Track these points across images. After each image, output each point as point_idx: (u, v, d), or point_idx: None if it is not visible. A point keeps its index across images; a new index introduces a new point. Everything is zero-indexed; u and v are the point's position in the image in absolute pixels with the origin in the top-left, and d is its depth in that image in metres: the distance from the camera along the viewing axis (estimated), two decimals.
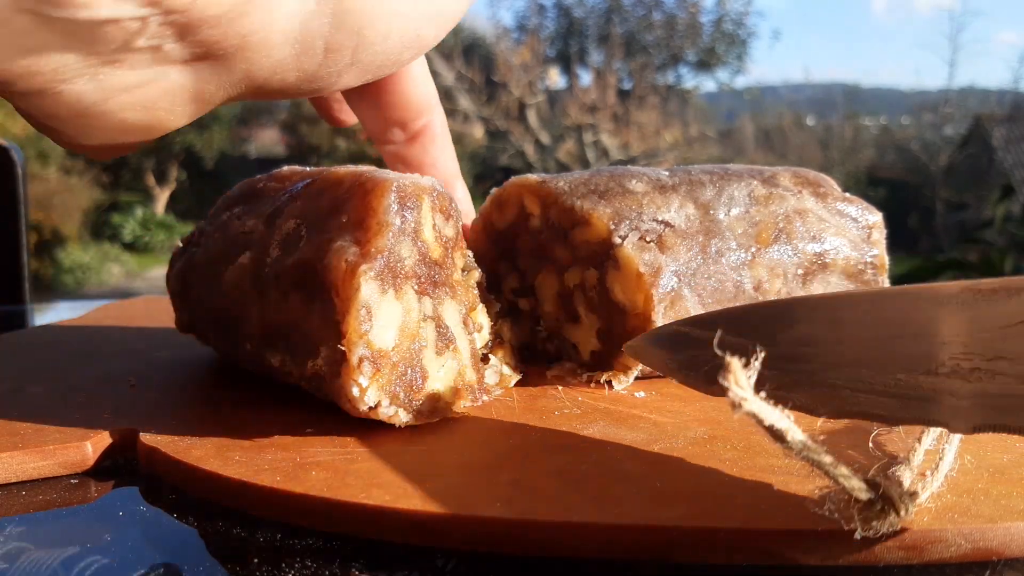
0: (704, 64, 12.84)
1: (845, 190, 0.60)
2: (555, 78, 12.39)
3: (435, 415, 0.43)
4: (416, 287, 0.42)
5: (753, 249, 0.54)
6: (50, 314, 1.13)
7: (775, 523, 0.31)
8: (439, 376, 0.43)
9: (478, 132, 11.58)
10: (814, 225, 0.57)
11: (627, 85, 11.74)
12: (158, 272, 8.19)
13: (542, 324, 0.56)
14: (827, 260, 0.56)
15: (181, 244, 0.56)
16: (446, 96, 11.30)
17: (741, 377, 0.30)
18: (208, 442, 0.40)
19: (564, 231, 0.52)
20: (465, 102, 10.97)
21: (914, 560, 0.31)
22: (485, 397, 0.47)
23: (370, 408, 0.40)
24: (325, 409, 0.44)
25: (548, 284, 0.55)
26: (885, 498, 0.30)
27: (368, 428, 0.42)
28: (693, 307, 0.50)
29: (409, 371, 0.41)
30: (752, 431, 0.40)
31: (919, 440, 0.36)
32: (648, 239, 0.50)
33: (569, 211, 0.51)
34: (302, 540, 0.33)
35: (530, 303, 0.56)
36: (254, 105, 11.64)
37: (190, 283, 0.51)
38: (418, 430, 0.42)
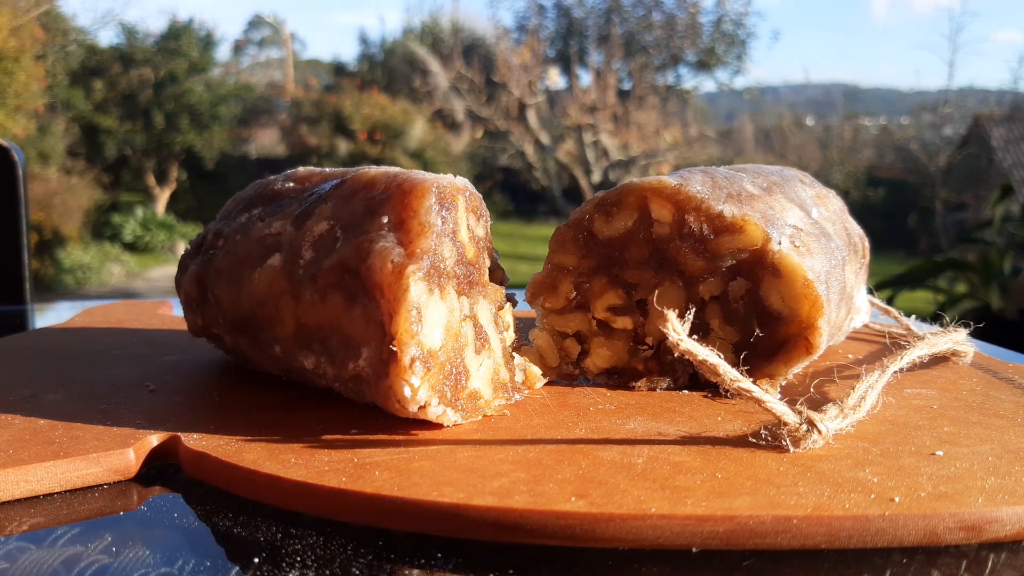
0: (704, 64, 12.84)
1: (845, 190, 0.62)
2: (555, 78, 12.40)
3: (476, 413, 0.44)
4: (456, 287, 0.43)
5: (846, 251, 0.54)
6: (51, 314, 1.13)
7: (842, 510, 0.32)
8: (479, 375, 0.44)
9: (478, 132, 11.57)
10: (844, 214, 0.59)
11: (627, 85, 11.73)
12: (159, 272, 8.18)
13: (650, 342, 0.51)
14: (855, 244, 0.58)
15: (190, 247, 0.55)
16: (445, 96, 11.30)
17: (677, 324, 0.41)
18: (257, 446, 0.40)
19: (703, 239, 0.48)
20: (465, 102, 10.97)
21: (972, 540, 0.32)
22: (517, 396, 0.48)
23: (419, 408, 0.40)
24: (360, 410, 0.45)
25: (670, 298, 0.49)
26: (808, 421, 0.38)
27: (413, 428, 0.42)
28: (833, 311, 0.49)
29: (454, 370, 0.42)
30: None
31: (853, 388, 0.43)
32: (796, 244, 0.47)
33: (717, 218, 0.47)
34: (303, 540, 0.33)
35: (634, 320, 0.51)
36: (254, 105, 11.63)
37: (207, 286, 0.51)
38: (462, 429, 0.43)
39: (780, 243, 0.46)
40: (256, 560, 0.32)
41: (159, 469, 0.41)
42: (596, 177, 10.82)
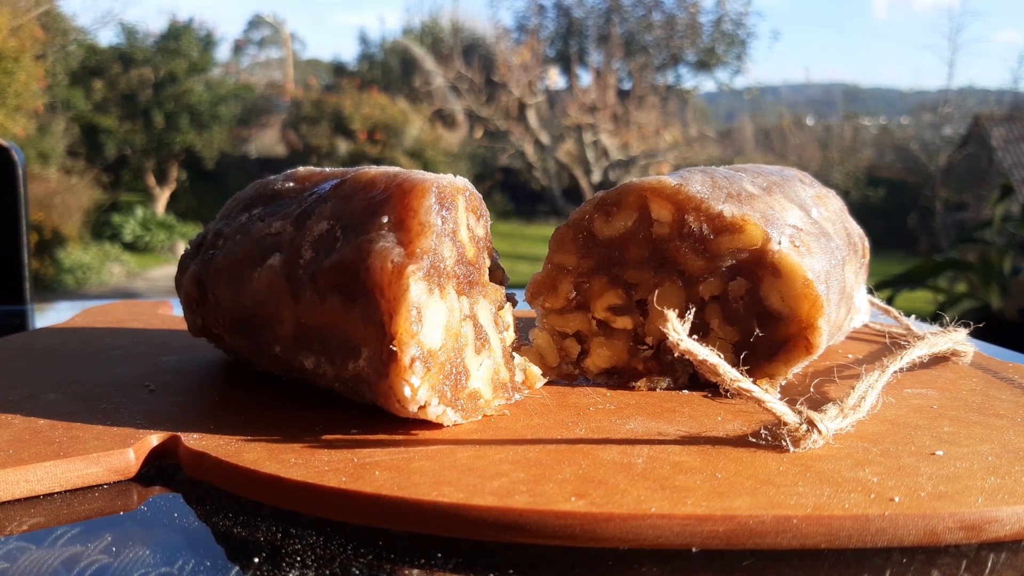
0: (704, 64, 12.84)
1: (845, 190, 0.63)
2: (555, 78, 12.40)
3: (476, 413, 0.44)
4: (456, 287, 0.43)
5: (846, 250, 0.54)
6: (51, 314, 1.13)
7: (842, 510, 0.32)
8: (479, 375, 0.44)
9: (478, 132, 11.57)
10: (844, 214, 0.59)
11: (627, 85, 11.73)
12: (158, 272, 8.17)
13: (650, 342, 0.51)
14: (855, 244, 0.58)
15: (190, 246, 0.55)
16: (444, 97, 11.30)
17: (677, 324, 0.41)
18: (257, 446, 0.40)
19: (703, 239, 0.48)
20: (465, 102, 10.97)
21: (972, 540, 0.32)
22: (517, 396, 0.48)
23: (419, 407, 0.40)
24: (360, 410, 0.45)
25: (670, 298, 0.49)
26: (808, 421, 0.38)
27: (413, 428, 0.42)
28: (833, 311, 0.49)
29: (454, 370, 0.42)
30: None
31: (853, 388, 0.43)
32: (796, 243, 0.47)
33: (716, 217, 0.47)
34: (303, 540, 0.33)
35: (634, 320, 0.51)
36: (254, 105, 11.63)
37: (207, 286, 0.51)
38: (462, 429, 0.43)
39: (780, 243, 0.46)
40: (256, 560, 0.32)
41: (159, 469, 0.41)
42: (596, 177, 10.82)
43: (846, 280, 0.52)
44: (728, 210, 0.47)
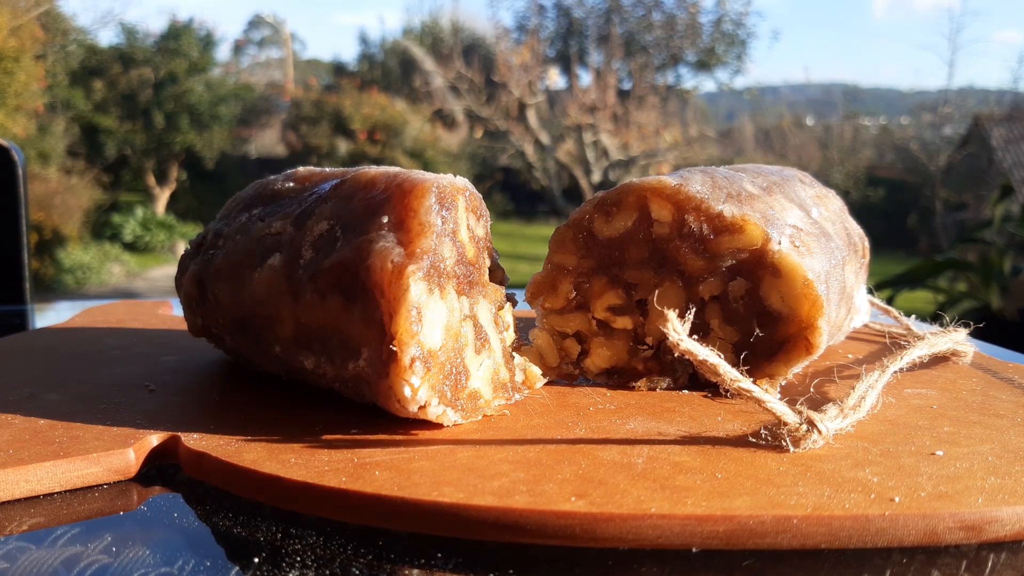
0: (704, 64, 12.85)
1: (845, 190, 0.63)
2: (555, 78, 12.41)
3: (476, 413, 0.44)
4: (456, 287, 0.43)
5: (846, 250, 0.54)
6: (51, 314, 1.13)
7: (842, 510, 0.32)
8: (479, 375, 0.44)
9: (478, 132, 11.58)
10: (844, 214, 0.60)
11: (627, 85, 11.73)
12: (158, 272, 8.18)
13: (650, 342, 0.51)
14: (855, 244, 0.58)
15: (190, 246, 0.55)
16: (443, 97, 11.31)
17: (677, 324, 0.42)
18: (257, 446, 0.40)
19: (703, 239, 0.48)
20: (465, 102, 10.97)
21: (972, 540, 0.32)
22: (517, 396, 0.48)
23: (419, 408, 0.40)
24: (360, 410, 0.45)
25: (670, 298, 0.49)
26: (808, 421, 0.38)
27: (413, 427, 0.42)
28: (833, 311, 0.49)
29: (454, 370, 0.42)
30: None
31: (853, 388, 0.43)
32: (796, 243, 0.47)
33: (716, 217, 0.47)
34: (303, 540, 0.33)
35: (634, 320, 0.52)
36: (254, 105, 11.64)
37: (207, 286, 0.51)
38: (462, 429, 0.43)
39: (780, 243, 0.47)
40: (256, 560, 0.32)
41: (159, 469, 0.41)
42: (596, 177, 10.82)
43: (846, 280, 0.52)
44: (728, 210, 0.47)
